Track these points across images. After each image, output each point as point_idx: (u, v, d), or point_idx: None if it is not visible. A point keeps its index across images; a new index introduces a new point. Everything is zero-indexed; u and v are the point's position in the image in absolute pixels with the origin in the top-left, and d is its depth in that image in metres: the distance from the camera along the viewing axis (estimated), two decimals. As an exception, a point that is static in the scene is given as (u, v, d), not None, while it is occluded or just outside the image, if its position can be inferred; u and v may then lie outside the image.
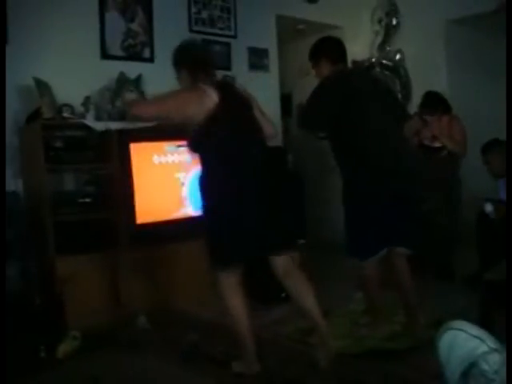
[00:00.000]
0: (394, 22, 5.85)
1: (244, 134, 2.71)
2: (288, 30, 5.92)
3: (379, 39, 5.97)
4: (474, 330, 1.34)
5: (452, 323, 1.38)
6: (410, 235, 3.16)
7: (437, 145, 4.43)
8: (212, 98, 2.63)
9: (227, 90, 2.79)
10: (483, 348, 1.29)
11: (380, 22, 5.93)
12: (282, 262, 2.78)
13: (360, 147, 3.05)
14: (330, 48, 3.29)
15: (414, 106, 5.07)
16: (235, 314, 2.74)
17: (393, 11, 5.84)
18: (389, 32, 5.89)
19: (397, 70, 5.84)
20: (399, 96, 5.58)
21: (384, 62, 5.89)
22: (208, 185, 2.72)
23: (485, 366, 1.27)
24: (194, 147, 2.76)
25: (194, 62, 2.81)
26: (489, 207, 3.89)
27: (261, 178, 2.69)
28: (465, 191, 4.59)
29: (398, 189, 3.04)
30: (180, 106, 2.68)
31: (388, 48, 5.92)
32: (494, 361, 1.26)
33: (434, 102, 4.45)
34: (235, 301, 2.74)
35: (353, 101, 3.03)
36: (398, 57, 5.85)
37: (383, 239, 3.08)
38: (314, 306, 2.76)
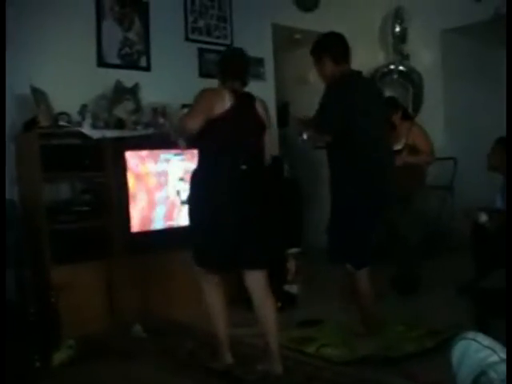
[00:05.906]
0: (402, 30, 5.97)
1: (240, 147, 2.75)
2: (284, 39, 5.94)
3: (389, 47, 6.08)
4: (487, 340, 1.38)
5: (466, 333, 1.42)
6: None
7: (396, 147, 4.32)
8: (225, 103, 2.73)
9: (245, 101, 2.86)
10: (493, 358, 1.33)
11: (393, 28, 6.04)
12: (252, 278, 2.81)
13: (360, 155, 3.03)
14: (332, 45, 3.18)
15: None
16: (211, 313, 2.86)
17: (401, 20, 5.96)
18: (397, 40, 6.00)
19: (413, 77, 5.93)
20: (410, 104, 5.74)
21: (401, 68, 5.97)
22: (195, 179, 2.81)
23: (493, 375, 1.30)
24: (193, 140, 2.82)
25: (224, 67, 3.01)
26: (483, 217, 3.89)
27: (245, 195, 2.72)
28: (459, 201, 4.60)
29: (385, 198, 3.07)
30: (203, 109, 2.74)
31: (396, 56, 6.02)
32: (503, 370, 1.30)
33: (388, 107, 4.44)
34: (212, 299, 2.86)
35: (356, 110, 3.01)
36: (411, 64, 5.95)
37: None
38: (272, 329, 2.80)
